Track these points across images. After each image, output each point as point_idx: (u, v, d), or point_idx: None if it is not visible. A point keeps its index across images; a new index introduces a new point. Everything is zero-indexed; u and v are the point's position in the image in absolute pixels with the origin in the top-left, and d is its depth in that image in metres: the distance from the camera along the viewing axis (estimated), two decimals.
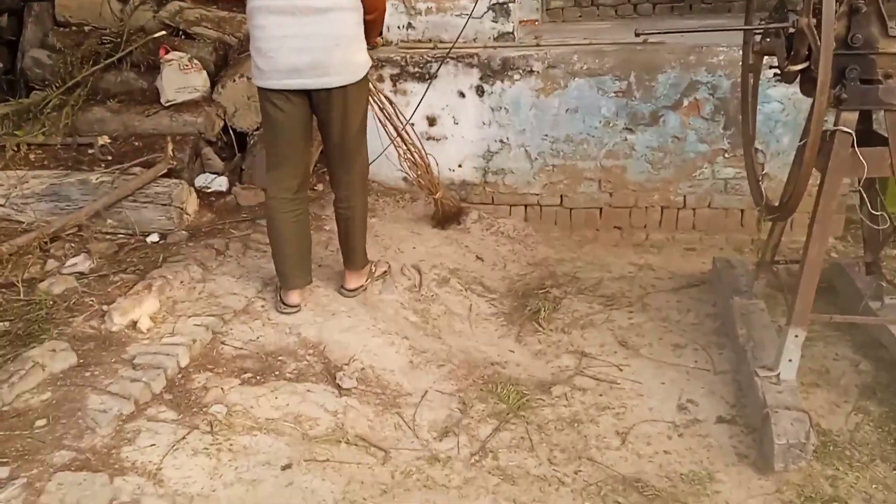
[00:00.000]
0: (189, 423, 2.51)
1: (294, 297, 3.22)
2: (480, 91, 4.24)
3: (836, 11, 2.44)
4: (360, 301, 3.39)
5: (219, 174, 4.20)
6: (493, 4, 4.34)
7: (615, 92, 4.11)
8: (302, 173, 3.17)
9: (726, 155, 4.04)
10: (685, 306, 3.48)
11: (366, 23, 2.97)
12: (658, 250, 4.12)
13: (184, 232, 3.77)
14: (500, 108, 4.26)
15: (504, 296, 3.69)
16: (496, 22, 4.38)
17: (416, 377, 2.98)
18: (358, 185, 3.22)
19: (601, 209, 4.32)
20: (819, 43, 2.35)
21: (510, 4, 4.37)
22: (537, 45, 4.33)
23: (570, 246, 4.22)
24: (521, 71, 4.19)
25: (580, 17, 5.85)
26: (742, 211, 4.10)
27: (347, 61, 2.89)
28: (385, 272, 3.54)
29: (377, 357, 3.04)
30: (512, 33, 4.42)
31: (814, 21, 2.46)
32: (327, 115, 2.99)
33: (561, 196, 4.35)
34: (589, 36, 4.49)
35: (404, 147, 3.96)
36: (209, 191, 4.14)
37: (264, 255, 3.65)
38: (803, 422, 2.38)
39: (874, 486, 2.36)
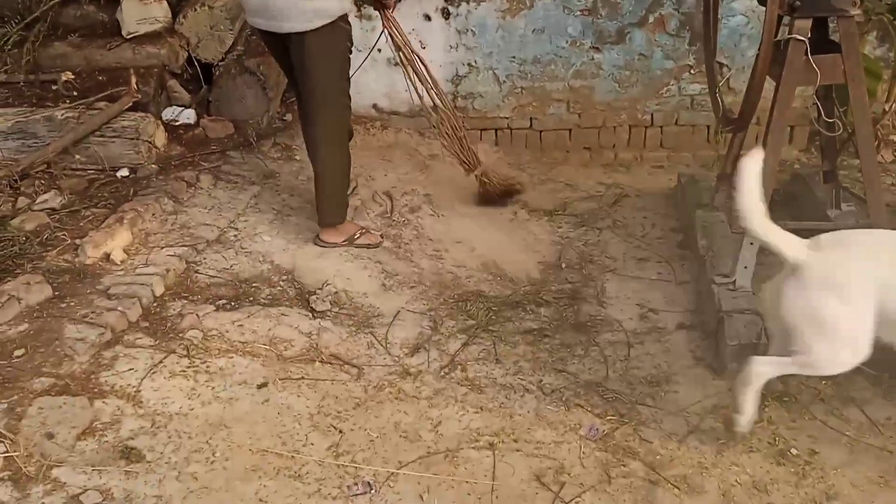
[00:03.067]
0: (166, 348, 2.60)
1: None
2: (446, 14, 4.19)
3: None
4: None
5: (186, 107, 4.16)
6: None
7: (581, 10, 4.08)
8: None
9: (692, 71, 4.06)
10: (650, 221, 3.56)
11: None
12: (626, 169, 4.17)
13: (153, 165, 3.77)
14: (467, 30, 4.22)
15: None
16: None
17: (388, 299, 3.06)
18: (320, 140, 3.08)
19: (570, 130, 4.34)
20: None
21: None
22: None
23: (541, 168, 4.26)
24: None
25: None
26: (708, 127, 4.15)
27: (297, 7, 2.77)
28: (370, 244, 3.31)
29: (350, 281, 3.11)
30: None
31: None
32: (292, 60, 2.95)
33: (530, 119, 4.36)
34: None
35: (436, 115, 3.55)
36: (177, 123, 4.11)
37: (235, 185, 3.69)
38: (755, 324, 2.49)
39: (823, 382, 2.48)
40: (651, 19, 4.02)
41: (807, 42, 2.56)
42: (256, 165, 3.87)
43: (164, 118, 4.09)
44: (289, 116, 4.36)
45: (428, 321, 2.93)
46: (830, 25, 2.75)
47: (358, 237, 3.32)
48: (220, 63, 4.27)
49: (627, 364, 2.65)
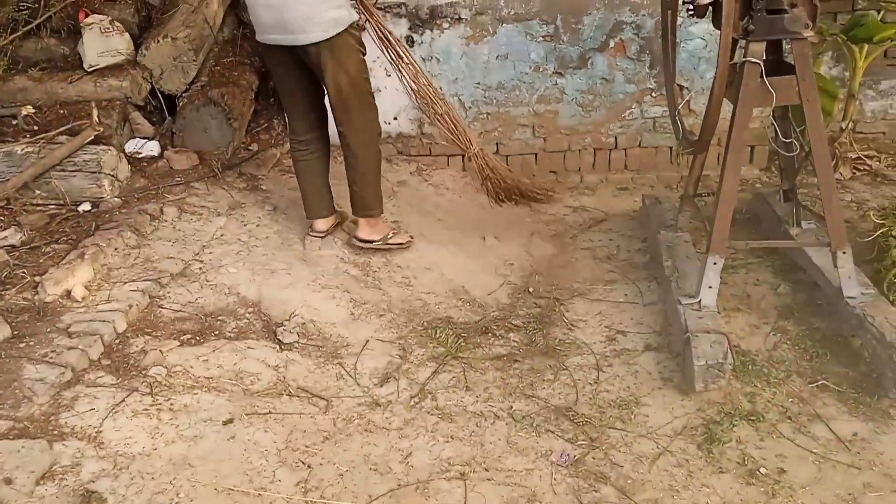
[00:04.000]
0: (128, 387, 2.54)
1: (318, 224, 3.49)
2: (410, 41, 4.22)
3: None
4: (298, 258, 3.42)
5: (149, 139, 4.13)
6: None
7: (543, 36, 4.13)
8: (304, 118, 3.35)
9: (653, 94, 4.12)
10: (616, 243, 3.59)
11: None
12: (592, 192, 4.21)
13: (116, 199, 3.71)
14: (431, 57, 4.25)
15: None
16: None
17: (356, 328, 3.04)
18: (353, 138, 3.23)
19: (536, 154, 4.38)
20: None
21: None
22: None
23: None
24: (449, 19, 4.17)
25: None
26: (670, 148, 4.21)
27: (311, 19, 2.94)
28: (402, 244, 3.49)
29: (318, 311, 3.09)
30: None
31: None
32: (314, 70, 3.11)
33: (496, 143, 4.39)
34: None
35: (425, 100, 3.73)
36: (140, 156, 4.07)
37: (200, 217, 3.65)
38: (721, 343, 2.51)
39: (790, 399, 2.50)
40: (612, 44, 4.08)
41: (762, 64, 2.61)
42: (222, 196, 3.83)
43: (126, 151, 4.04)
44: (254, 146, 4.35)
45: (397, 350, 2.91)
46: (785, 47, 2.82)
47: (391, 236, 3.48)
48: (183, 94, 4.25)
49: (597, 387, 2.64)
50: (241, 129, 4.29)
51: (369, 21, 3.47)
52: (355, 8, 3.15)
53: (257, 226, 3.65)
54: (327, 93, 3.16)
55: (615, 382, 2.66)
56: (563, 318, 3.06)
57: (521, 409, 2.56)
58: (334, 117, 3.24)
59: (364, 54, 3.18)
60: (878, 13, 3.58)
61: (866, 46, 3.66)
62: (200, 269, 3.27)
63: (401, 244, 3.51)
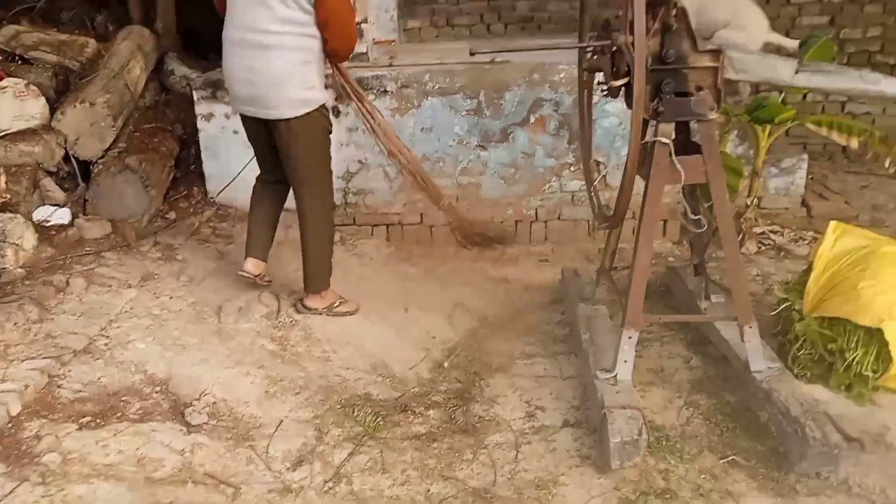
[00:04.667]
0: (19, 476, 2.36)
1: (249, 264, 3.48)
2: (336, 112, 4.24)
3: (649, 29, 2.62)
4: (213, 332, 3.31)
5: (60, 206, 3.98)
6: None
7: (467, 110, 4.23)
8: (271, 170, 3.42)
9: (572, 168, 4.24)
10: (537, 316, 3.61)
11: (328, 51, 3.18)
12: (514, 263, 4.25)
13: (20, 270, 3.55)
14: (357, 128, 4.28)
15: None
16: None
17: (271, 407, 2.93)
18: (309, 218, 3.33)
19: None
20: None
21: (363, 25, 4.40)
22: (390, 66, 4.39)
23: (432, 263, 4.28)
24: (375, 91, 4.23)
25: (437, 36, 5.97)
26: (588, 221, 4.31)
27: (284, 97, 3.08)
28: (348, 312, 3.54)
29: (230, 389, 2.97)
30: (366, 53, 4.46)
31: (630, 39, 2.61)
32: (277, 144, 3.23)
33: (421, 214, 4.42)
34: (443, 56, 4.59)
35: (393, 154, 3.87)
36: (50, 224, 3.91)
37: (109, 289, 3.51)
38: (636, 419, 2.52)
39: (702, 476, 2.51)
40: (532, 120, 4.20)
41: (671, 144, 2.71)
42: (134, 267, 3.71)
43: (35, 219, 3.89)
44: (172, 214, 4.25)
45: (313, 430, 2.81)
46: (693, 126, 2.94)
47: (337, 305, 3.53)
48: (99, 160, 4.14)
49: (515, 467, 2.60)
50: (158, 197, 4.19)
51: (345, 85, 3.71)
52: (328, 86, 3.39)
53: (170, 298, 3.54)
54: (288, 166, 3.27)
55: (533, 461, 2.62)
56: (483, 394, 3.03)
57: (439, 492, 2.50)
58: (293, 190, 3.34)
59: (330, 132, 3.33)
60: (780, 94, 3.79)
61: (769, 126, 3.87)
62: (106, 345, 3.12)
63: (347, 312, 3.54)
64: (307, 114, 3.13)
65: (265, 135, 3.26)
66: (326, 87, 3.38)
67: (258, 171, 3.52)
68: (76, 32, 4.76)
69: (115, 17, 5.11)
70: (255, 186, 3.55)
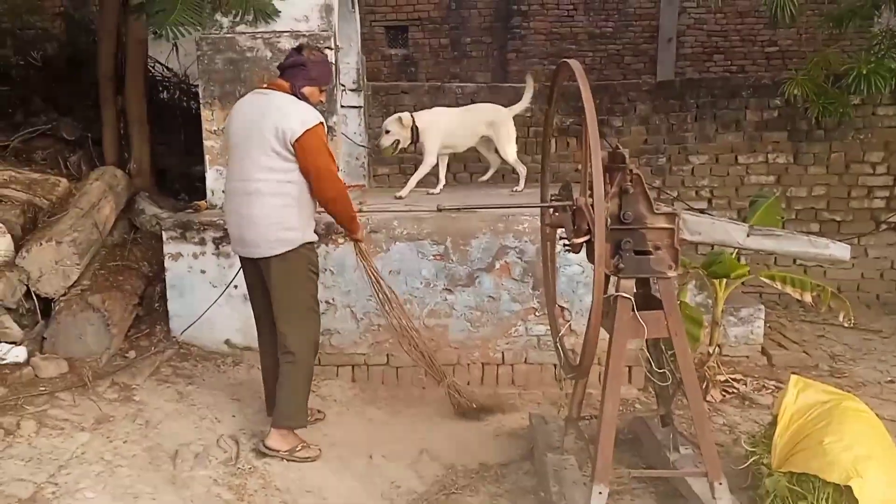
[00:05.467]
0: None
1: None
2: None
3: (607, 193, 2.77)
4: (167, 480, 3.17)
5: (16, 344, 3.88)
6: None
7: (433, 255, 4.33)
8: (269, 326, 3.51)
9: (537, 313, 4.31)
10: (504, 465, 3.54)
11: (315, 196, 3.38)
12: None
13: None
14: (326, 269, 4.32)
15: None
16: None
17: None
18: (287, 353, 3.41)
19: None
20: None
21: None
22: (360, 211, 4.50)
23: (397, 406, 4.22)
24: (344, 235, 4.31)
25: (405, 183, 6.18)
26: (555, 366, 4.33)
27: (263, 237, 3.31)
28: (308, 458, 3.48)
29: None
30: None
31: (590, 200, 2.75)
32: (266, 284, 3.41)
33: (387, 355, 4.40)
34: (409, 203, 4.75)
35: (399, 328, 3.84)
36: (4, 362, 3.80)
37: (62, 432, 3.37)
38: None
39: None
40: (497, 265, 4.32)
41: (632, 299, 2.80)
42: (89, 409, 3.58)
43: None
44: (132, 353, 4.16)
45: None
46: (651, 281, 3.05)
47: (299, 449, 3.47)
48: (61, 297, 4.08)
49: None
50: (119, 335, 4.13)
51: (365, 267, 3.78)
52: (316, 229, 3.50)
53: (124, 442, 3.40)
54: (273, 302, 3.40)
55: None
56: None
57: None
58: (276, 323, 3.43)
59: (315, 273, 3.48)
60: (732, 252, 3.97)
61: (724, 280, 4.03)
62: (53, 493, 2.97)
63: (307, 458, 3.47)
64: (288, 251, 3.31)
65: (258, 276, 3.44)
66: (316, 231, 3.52)
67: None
68: (49, 172, 4.83)
69: (90, 158, 5.21)
70: (259, 343, 3.68)
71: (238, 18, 4.43)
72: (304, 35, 4.49)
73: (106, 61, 5.30)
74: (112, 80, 5.31)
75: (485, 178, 5.47)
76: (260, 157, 3.27)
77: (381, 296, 3.80)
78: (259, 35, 4.51)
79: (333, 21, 4.54)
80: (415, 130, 4.89)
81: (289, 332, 3.40)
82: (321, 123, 3.29)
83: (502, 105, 5.27)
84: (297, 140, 3.21)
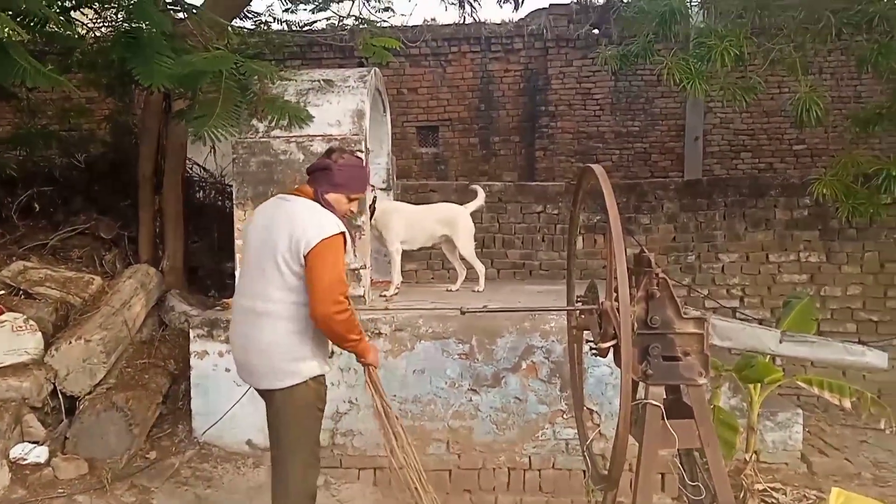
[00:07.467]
0: None
1: None
2: (330, 352, 4.27)
3: (633, 297, 2.73)
4: None
5: (39, 443, 3.86)
6: (347, 271, 4.54)
7: (459, 354, 4.27)
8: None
9: (565, 416, 4.19)
10: None
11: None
12: None
13: None
14: (350, 368, 4.29)
15: None
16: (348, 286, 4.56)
17: None
18: (286, 493, 2.91)
19: (450, 471, 4.27)
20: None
21: (362, 270, 4.60)
22: (386, 309, 4.51)
23: None
24: (369, 333, 4.29)
25: (432, 279, 6.22)
26: (584, 472, 4.17)
27: (271, 367, 2.87)
28: None
29: None
30: (363, 296, 4.60)
31: (616, 304, 2.71)
32: (268, 419, 2.97)
33: None
34: (436, 300, 4.75)
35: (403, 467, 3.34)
36: (26, 462, 3.78)
37: None
38: None
39: None
40: (524, 365, 4.24)
41: (662, 407, 2.70)
42: None
43: (11, 456, 3.76)
44: (153, 454, 4.11)
45: None
46: (682, 388, 2.95)
47: None
48: (86, 396, 4.09)
49: None
50: (141, 436, 4.10)
51: (374, 399, 3.28)
52: (326, 362, 3.05)
53: None
54: (273, 436, 2.98)
55: None
56: None
57: None
58: (273, 465, 3.01)
59: (321, 411, 3.01)
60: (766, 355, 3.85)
61: (759, 383, 3.90)
62: None
63: None
64: (295, 385, 2.87)
65: (265, 407, 3.00)
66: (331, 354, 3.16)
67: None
68: (84, 270, 4.94)
69: (125, 255, 5.34)
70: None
71: (273, 123, 4.58)
72: (335, 139, 4.62)
73: (146, 162, 5.51)
74: (151, 180, 5.49)
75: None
76: (274, 274, 2.84)
77: (389, 432, 3.27)
78: (293, 139, 4.66)
79: (365, 125, 4.68)
80: (372, 210, 4.86)
81: (290, 473, 2.93)
82: (342, 234, 2.85)
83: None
84: (310, 251, 2.78)
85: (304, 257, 2.78)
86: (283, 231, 2.84)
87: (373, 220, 4.94)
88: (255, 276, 2.91)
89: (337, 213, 2.94)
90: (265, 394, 2.96)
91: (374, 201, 4.92)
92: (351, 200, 3.06)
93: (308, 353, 2.90)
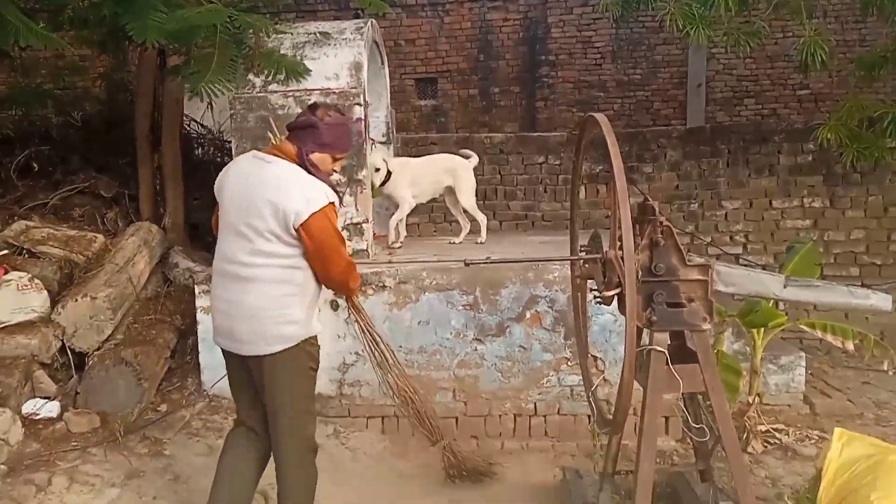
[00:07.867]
0: None
1: None
2: (335, 305, 4.30)
3: (637, 245, 2.73)
4: None
5: (50, 399, 3.92)
6: (348, 224, 4.54)
7: (463, 305, 4.30)
8: (252, 422, 2.98)
9: (569, 363, 4.24)
10: None
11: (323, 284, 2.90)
12: (514, 458, 4.11)
13: (2, 466, 3.42)
14: (355, 321, 4.31)
15: None
16: (351, 241, 4.56)
17: None
18: (285, 463, 2.89)
19: (457, 419, 4.33)
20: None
21: (364, 224, 4.60)
22: (389, 263, 4.52)
23: (428, 459, 4.14)
24: (374, 286, 4.32)
25: (435, 231, 6.21)
26: (588, 417, 4.23)
27: (260, 333, 2.77)
28: None
29: None
30: (366, 250, 4.61)
31: (620, 253, 2.71)
32: (256, 382, 2.88)
33: None
34: (439, 252, 4.75)
35: (391, 380, 3.47)
36: (38, 417, 3.83)
37: (92, 488, 3.38)
38: None
39: None
40: (528, 315, 4.27)
41: (667, 352, 2.73)
42: (120, 464, 3.58)
43: (24, 412, 3.81)
44: (164, 407, 4.17)
45: None
46: (686, 333, 2.97)
47: None
48: (95, 352, 4.13)
49: None
50: (151, 389, 4.14)
51: (358, 321, 3.35)
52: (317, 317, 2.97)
53: (154, 498, 3.40)
54: (266, 405, 2.89)
55: None
56: None
57: None
58: (269, 427, 2.92)
59: (315, 370, 2.96)
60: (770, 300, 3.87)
61: (762, 329, 3.93)
62: None
63: None
64: (286, 350, 2.79)
65: (245, 372, 2.90)
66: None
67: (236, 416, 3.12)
68: (86, 228, 4.93)
69: (126, 214, 5.33)
70: (229, 434, 3.08)
71: (270, 78, 4.52)
72: (334, 92, 4.56)
73: (143, 120, 5.45)
74: (149, 138, 5.44)
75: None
76: (257, 240, 2.74)
77: (374, 350, 3.35)
78: (290, 94, 4.60)
79: (363, 78, 4.62)
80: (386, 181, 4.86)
81: (286, 441, 2.88)
82: (331, 203, 2.78)
83: None
84: (301, 224, 2.70)
85: (297, 229, 2.71)
86: (265, 198, 2.73)
87: (390, 186, 4.93)
88: (237, 241, 2.79)
89: (321, 174, 2.83)
90: (250, 360, 2.83)
91: (388, 176, 4.87)
92: (336, 160, 2.94)
93: (298, 315, 2.81)
